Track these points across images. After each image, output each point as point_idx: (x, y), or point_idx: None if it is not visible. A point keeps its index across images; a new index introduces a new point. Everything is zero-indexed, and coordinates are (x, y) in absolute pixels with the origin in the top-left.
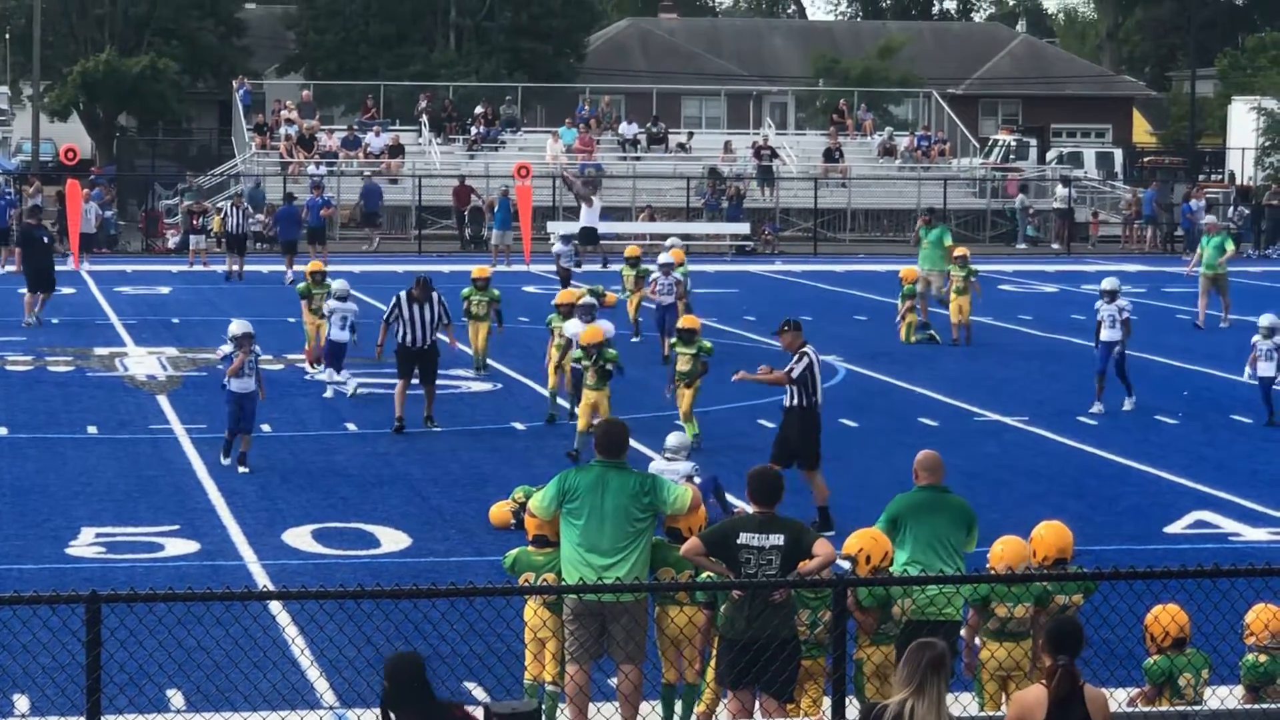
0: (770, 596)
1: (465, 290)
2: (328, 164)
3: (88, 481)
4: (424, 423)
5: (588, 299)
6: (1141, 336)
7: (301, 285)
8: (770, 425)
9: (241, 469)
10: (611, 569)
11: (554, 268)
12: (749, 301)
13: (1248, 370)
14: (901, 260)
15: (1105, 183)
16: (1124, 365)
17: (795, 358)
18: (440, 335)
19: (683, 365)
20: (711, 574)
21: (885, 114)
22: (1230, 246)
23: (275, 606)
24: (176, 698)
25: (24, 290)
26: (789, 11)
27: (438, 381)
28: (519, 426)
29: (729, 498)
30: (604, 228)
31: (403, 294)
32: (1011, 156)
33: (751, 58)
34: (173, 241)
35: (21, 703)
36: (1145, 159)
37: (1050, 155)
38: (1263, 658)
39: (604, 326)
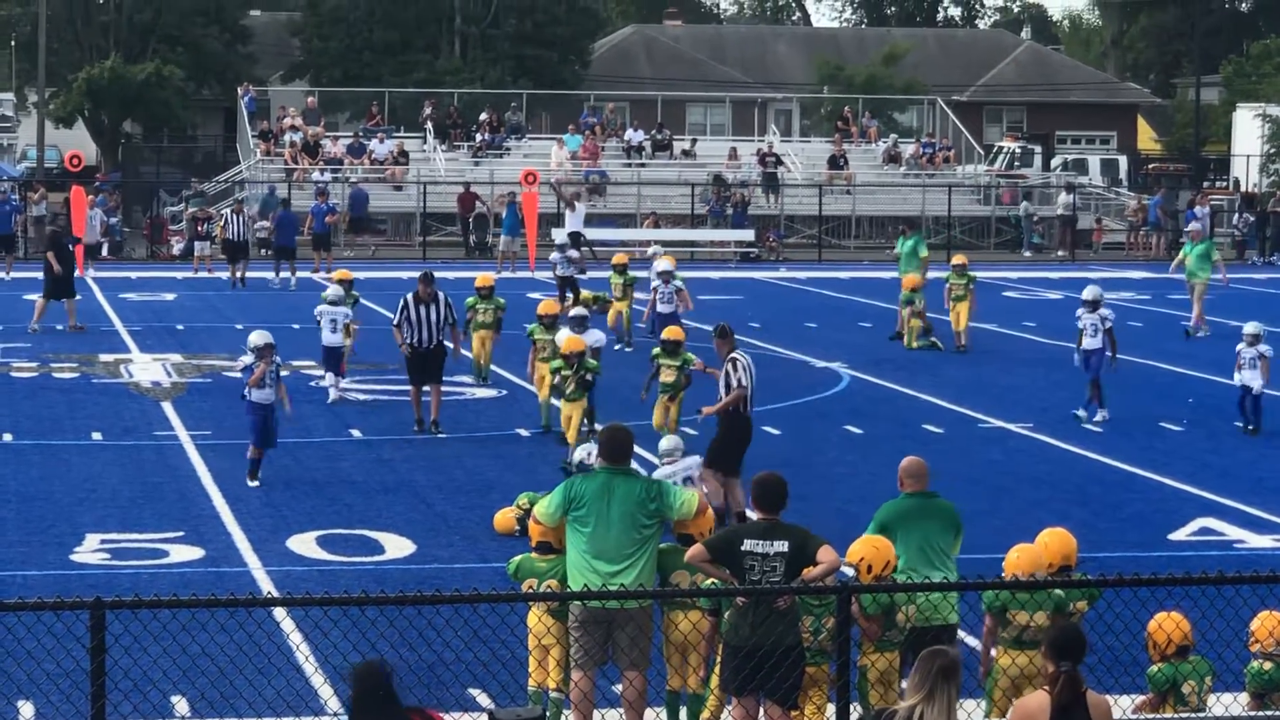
0: (775, 603)
1: (470, 299)
2: (332, 171)
3: (92, 488)
4: (430, 427)
5: (579, 309)
6: (1146, 343)
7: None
8: (776, 432)
9: (253, 483)
10: (618, 576)
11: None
12: (753, 308)
13: (1237, 376)
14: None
15: (1110, 190)
16: (1100, 375)
17: (729, 366)
18: (446, 342)
19: (667, 377)
20: (716, 580)
21: (890, 121)
22: (1215, 255)
23: (280, 613)
24: (181, 704)
25: (38, 296)
26: (794, 18)
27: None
28: (523, 433)
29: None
30: (609, 234)
31: (409, 296)
32: (1016, 164)
33: (756, 65)
34: (177, 248)
35: (26, 709)
36: (1150, 166)
37: (1055, 162)
38: (1268, 665)
39: (592, 337)
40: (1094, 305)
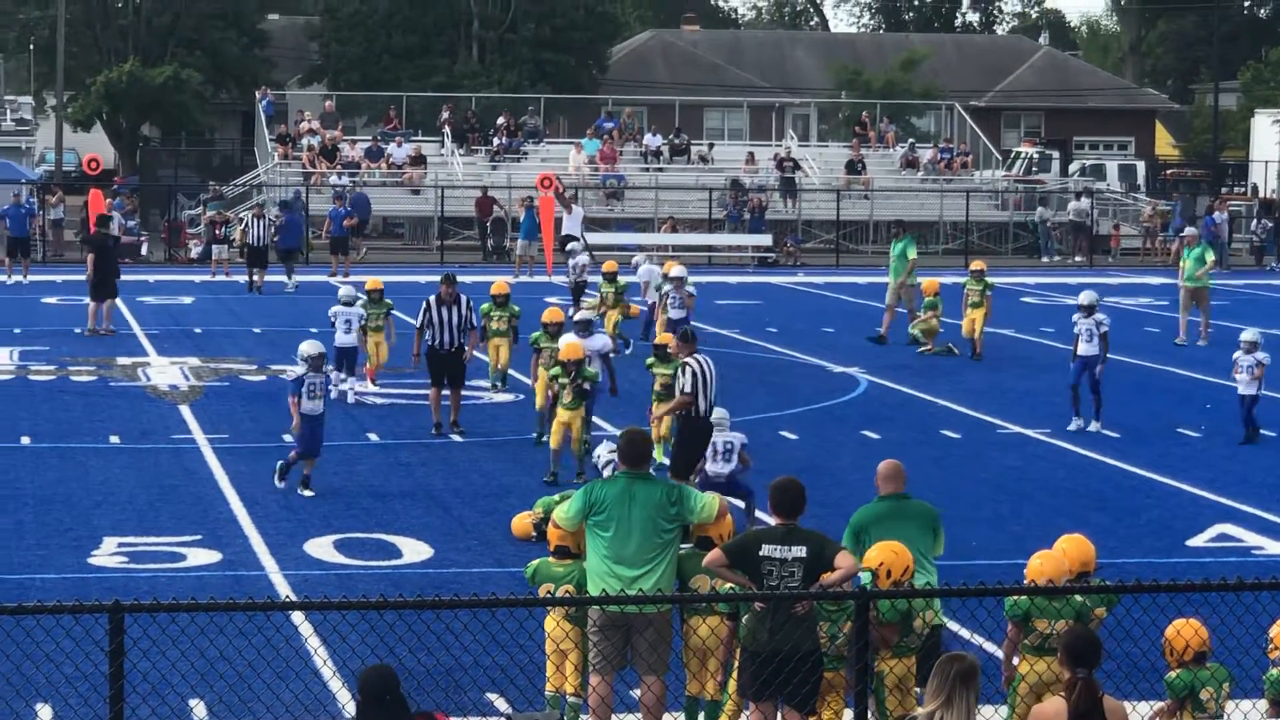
0: (793, 609)
1: (485, 306)
2: (350, 174)
3: (110, 491)
4: (450, 428)
5: (585, 314)
6: (1163, 349)
7: (360, 302)
8: (793, 437)
9: (307, 492)
10: (639, 580)
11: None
12: (771, 313)
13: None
14: (922, 273)
15: (1128, 195)
16: (1099, 383)
17: (679, 370)
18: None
19: (661, 385)
20: (734, 585)
21: (907, 126)
22: (1210, 257)
23: (298, 617)
24: (199, 708)
25: (87, 300)
26: (811, 24)
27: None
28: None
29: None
30: (626, 239)
31: (431, 298)
32: (1034, 169)
33: (774, 70)
34: (195, 251)
35: (45, 712)
36: (1168, 172)
37: (1072, 168)
38: None
39: (598, 342)
40: (1089, 310)
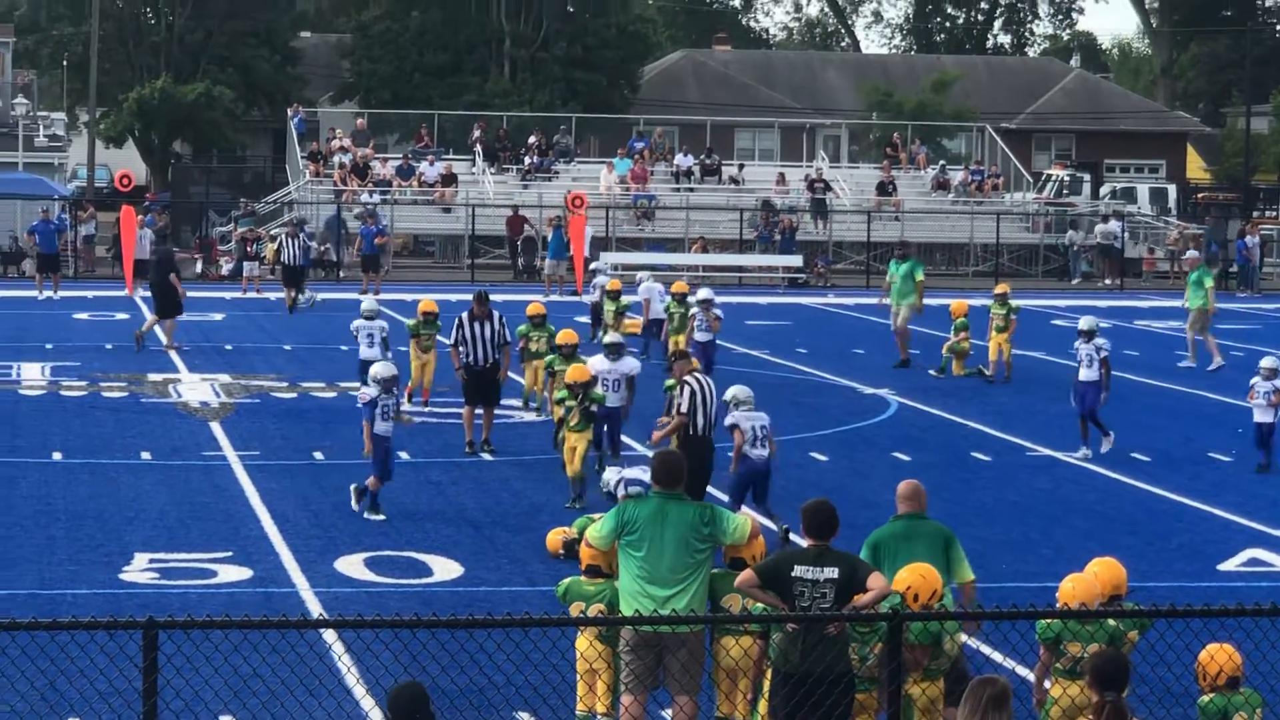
0: (825, 630)
1: (521, 328)
2: (381, 192)
3: (141, 507)
4: (482, 446)
5: (614, 336)
6: (1193, 373)
7: (411, 323)
8: (824, 458)
9: (379, 516)
10: (671, 600)
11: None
12: (801, 334)
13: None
14: (953, 294)
15: (1159, 218)
16: (1095, 410)
17: (675, 390)
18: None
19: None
20: (765, 606)
21: (939, 148)
22: (1209, 283)
23: (329, 635)
24: None
25: (152, 317)
26: (843, 45)
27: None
28: None
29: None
30: (656, 259)
31: (464, 315)
32: (1065, 191)
33: (805, 90)
34: (226, 268)
35: None
36: (1199, 195)
37: (1103, 190)
38: None
39: (626, 365)
40: (1090, 335)
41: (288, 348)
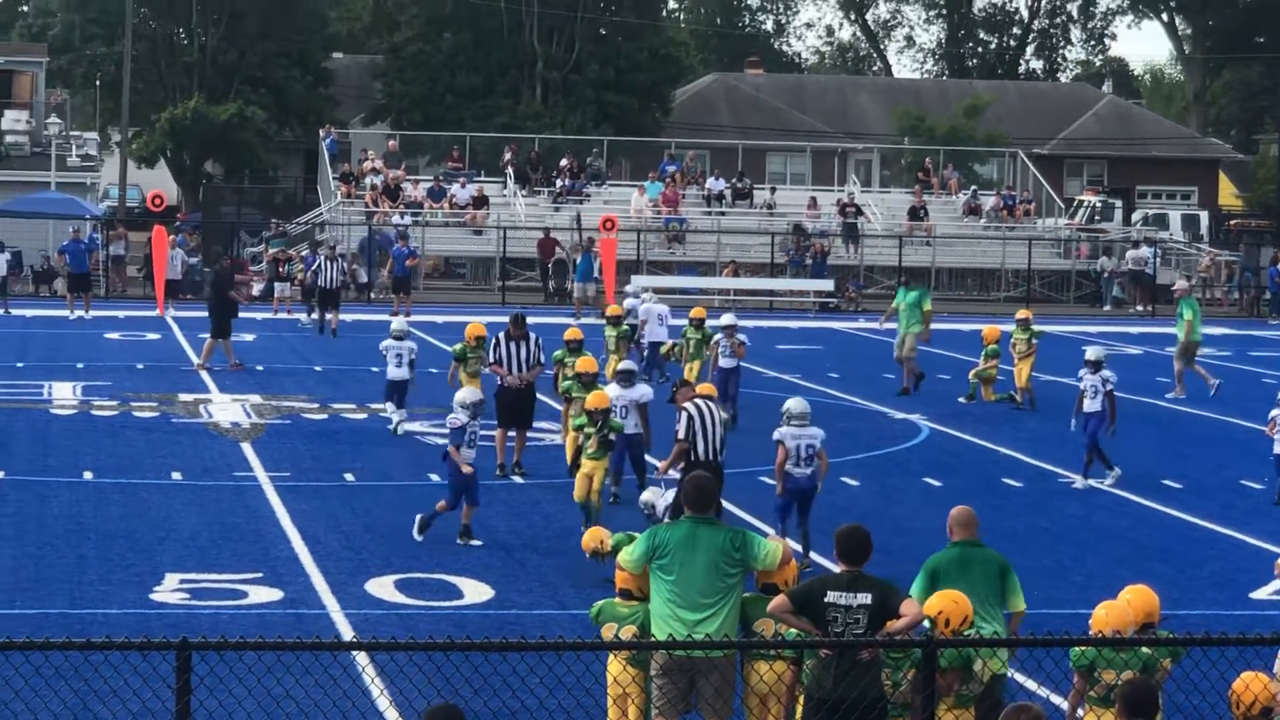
0: (858, 655)
1: (558, 353)
2: (413, 214)
3: (172, 527)
4: (513, 469)
5: (627, 364)
6: (1226, 400)
7: (458, 347)
8: (855, 483)
9: (475, 542)
10: (702, 624)
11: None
12: (832, 359)
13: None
14: (985, 320)
15: (1191, 245)
16: (1096, 441)
17: (677, 416)
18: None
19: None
20: (798, 632)
21: (970, 173)
22: (1188, 314)
23: (361, 657)
24: None
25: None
26: (875, 69)
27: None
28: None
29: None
30: (687, 282)
31: (500, 334)
32: (1097, 218)
33: (837, 115)
34: (257, 289)
35: None
36: (1231, 222)
37: (1135, 217)
38: None
39: (638, 392)
40: (1096, 366)
41: (319, 369)
